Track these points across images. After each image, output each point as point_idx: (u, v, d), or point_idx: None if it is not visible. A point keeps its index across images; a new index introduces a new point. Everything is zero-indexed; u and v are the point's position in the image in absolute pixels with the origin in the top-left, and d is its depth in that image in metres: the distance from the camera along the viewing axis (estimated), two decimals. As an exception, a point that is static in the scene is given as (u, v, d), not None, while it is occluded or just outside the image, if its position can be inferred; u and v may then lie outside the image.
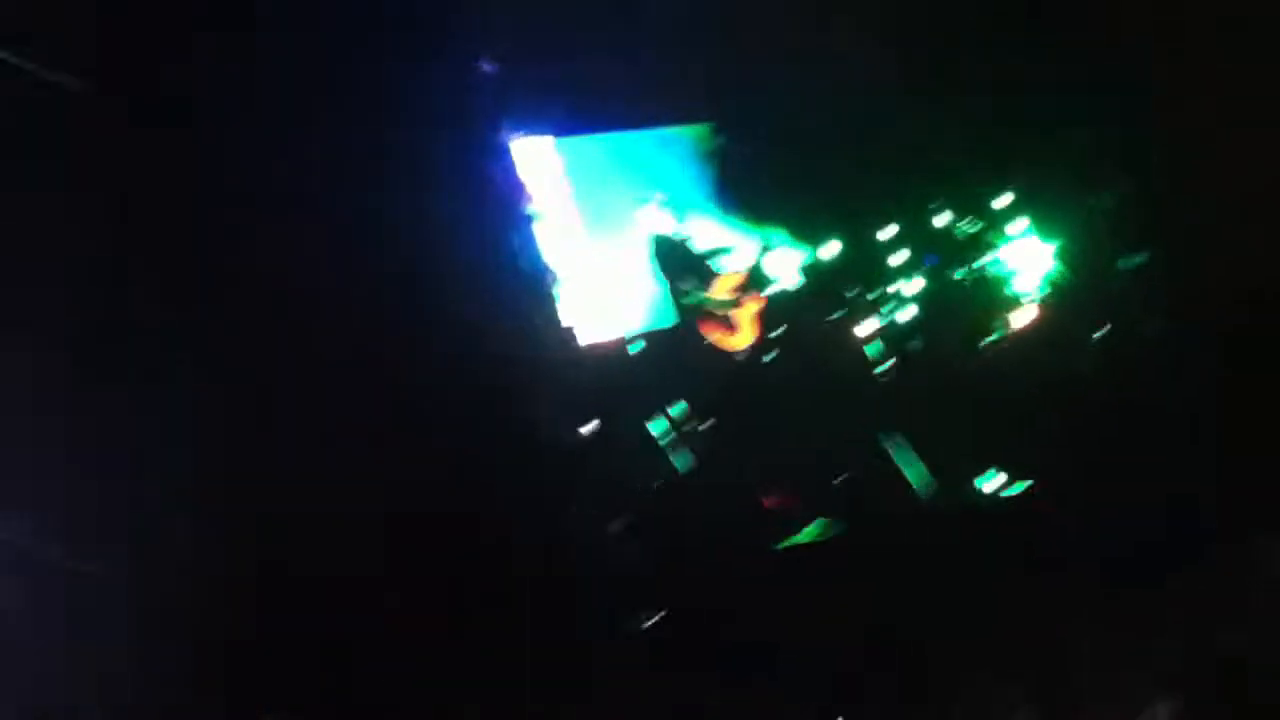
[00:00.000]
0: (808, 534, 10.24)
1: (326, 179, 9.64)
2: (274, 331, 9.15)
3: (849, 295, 11.50)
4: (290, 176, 9.38)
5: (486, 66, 10.62)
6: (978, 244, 11.87)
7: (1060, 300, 11.93)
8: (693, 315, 11.52)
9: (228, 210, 9.00)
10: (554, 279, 10.96)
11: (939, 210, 11.88)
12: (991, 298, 11.85)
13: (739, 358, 11.37)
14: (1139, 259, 11.91)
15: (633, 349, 11.17)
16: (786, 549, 10.19)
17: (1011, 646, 7.74)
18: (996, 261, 11.87)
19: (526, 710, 8.29)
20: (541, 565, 9.21)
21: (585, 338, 10.94)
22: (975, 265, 11.81)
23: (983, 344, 11.59)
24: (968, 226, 11.87)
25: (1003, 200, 11.96)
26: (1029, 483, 10.54)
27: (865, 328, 11.52)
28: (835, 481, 10.60)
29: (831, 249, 11.82)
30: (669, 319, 11.52)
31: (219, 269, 9.11)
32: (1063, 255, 11.96)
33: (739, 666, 8.59)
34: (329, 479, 8.81)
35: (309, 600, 8.35)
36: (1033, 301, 11.86)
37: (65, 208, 9.01)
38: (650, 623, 9.50)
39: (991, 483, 10.84)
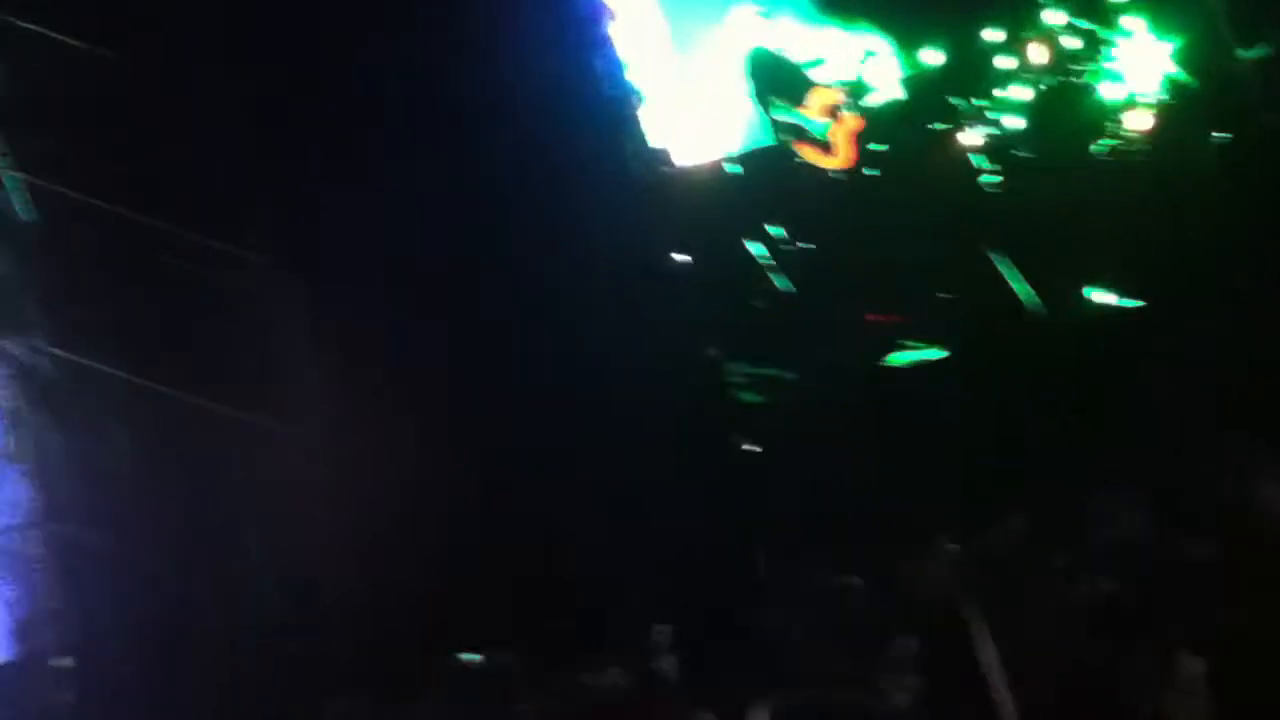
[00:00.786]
0: (913, 354, 10.10)
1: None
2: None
3: (953, 104, 11.02)
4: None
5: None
6: (1089, 44, 11.24)
7: (1178, 102, 11.32)
8: (788, 134, 11.18)
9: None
10: (641, 100, 10.68)
11: (1048, 8, 11.23)
12: (1104, 101, 11.28)
13: (837, 176, 11.04)
14: (1260, 51, 11.22)
15: (728, 170, 10.90)
16: (890, 366, 10.08)
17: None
18: (1107, 61, 11.25)
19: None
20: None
21: (679, 160, 10.72)
22: (1087, 67, 11.21)
23: (1095, 150, 11.09)
24: (1079, 26, 11.22)
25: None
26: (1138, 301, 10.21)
27: (971, 138, 11.07)
28: (941, 298, 10.37)
29: (934, 56, 11.29)
30: (765, 139, 11.20)
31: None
32: (1180, 54, 11.31)
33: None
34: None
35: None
36: (1148, 104, 11.28)
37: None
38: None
39: (1103, 295, 10.52)
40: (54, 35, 9.48)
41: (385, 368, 9.28)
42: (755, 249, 10.46)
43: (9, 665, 8.99)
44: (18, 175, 9.83)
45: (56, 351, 9.51)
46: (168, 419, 9.29)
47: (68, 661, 8.65)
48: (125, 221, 9.22)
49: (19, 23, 9.51)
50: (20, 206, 9.90)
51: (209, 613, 8.93)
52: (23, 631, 8.96)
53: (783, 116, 11.16)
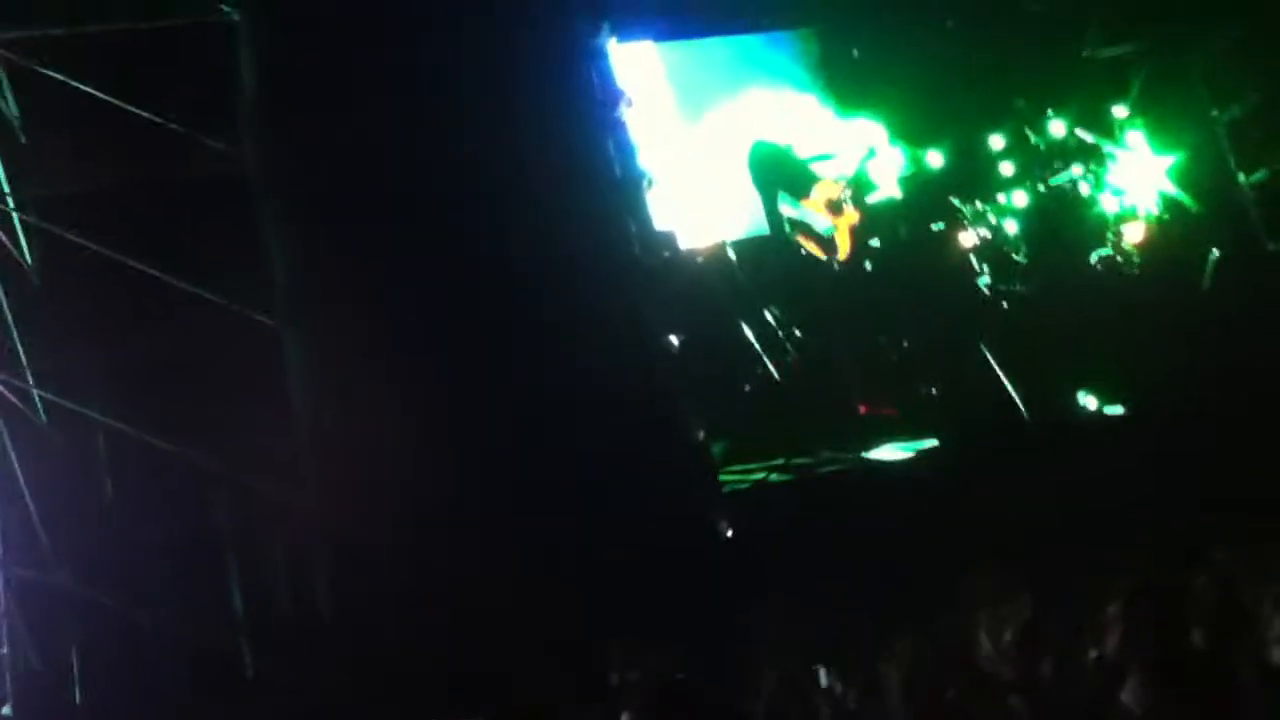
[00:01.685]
0: (902, 443, 10.10)
1: (425, 83, 9.64)
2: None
3: (954, 205, 11.19)
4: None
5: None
6: (1090, 155, 11.46)
7: (1175, 217, 11.50)
8: (790, 225, 11.33)
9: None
10: (650, 183, 10.82)
11: (1050, 119, 11.47)
12: (1101, 212, 11.45)
13: (836, 268, 11.16)
14: (1260, 176, 11.43)
15: (730, 255, 11.01)
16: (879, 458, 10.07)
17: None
18: (1107, 174, 11.45)
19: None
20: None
21: (683, 242, 10.84)
22: (1085, 177, 11.40)
23: (1091, 259, 11.23)
24: (1080, 137, 11.44)
25: (1119, 111, 11.53)
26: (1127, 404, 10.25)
27: (969, 238, 11.21)
28: (933, 392, 10.41)
29: (936, 158, 11.50)
30: (767, 227, 11.34)
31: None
32: (1179, 171, 11.52)
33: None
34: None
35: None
36: (1145, 218, 11.45)
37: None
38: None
39: (1092, 399, 10.57)
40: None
41: (380, 441, 9.26)
42: (752, 334, 10.52)
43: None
44: (21, 216, 9.93)
45: (41, 392, 9.52)
46: (150, 465, 9.25)
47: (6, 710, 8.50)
48: (119, 266, 9.26)
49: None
50: (23, 248, 10.01)
51: (174, 658, 8.79)
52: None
53: (787, 208, 11.31)
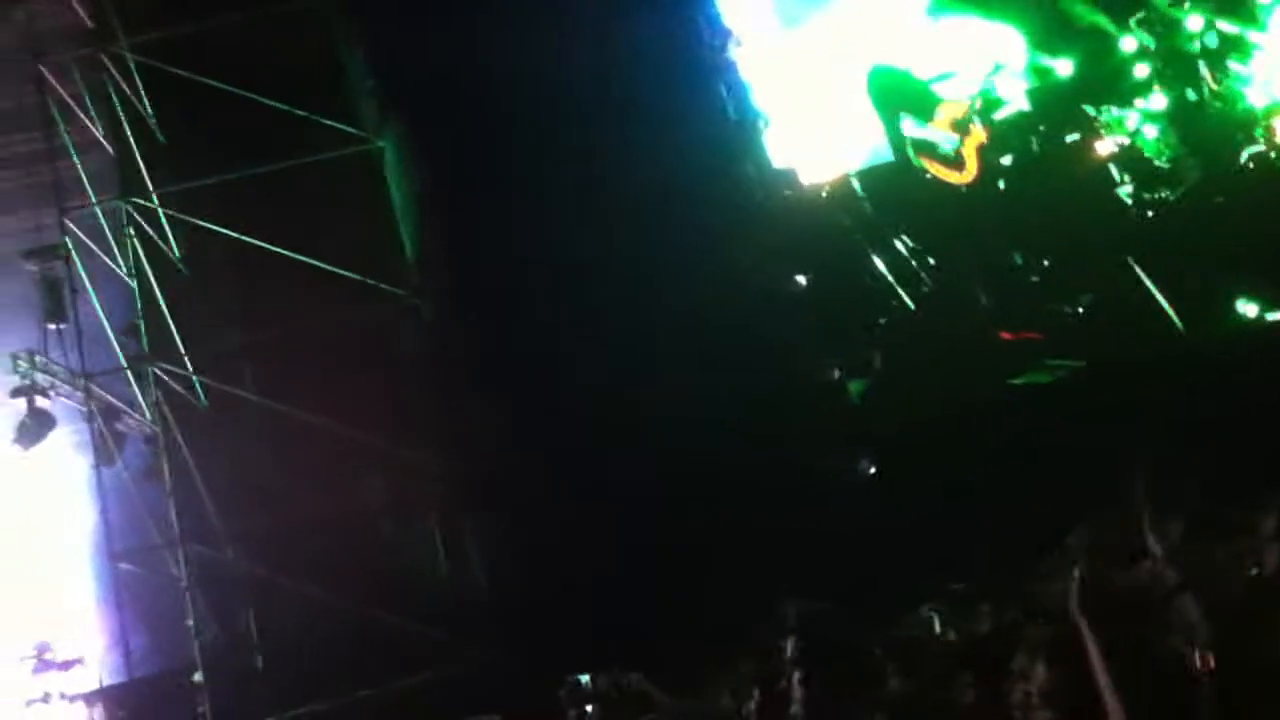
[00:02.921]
0: (1043, 373, 9.80)
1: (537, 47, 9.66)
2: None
3: (1087, 114, 10.68)
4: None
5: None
6: (1231, 48, 10.77)
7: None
8: (915, 148, 11.00)
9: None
10: (766, 123, 10.66)
11: (1187, 14, 10.81)
12: (1248, 107, 10.79)
13: (965, 190, 10.81)
14: None
15: (855, 186, 10.78)
16: (1023, 384, 9.80)
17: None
18: (1252, 64, 10.76)
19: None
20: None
21: (805, 178, 10.66)
22: (1229, 72, 10.73)
23: (1241, 157, 10.61)
24: (1220, 29, 10.76)
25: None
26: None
27: (1105, 148, 10.71)
28: (1078, 312, 10.04)
29: (1065, 66, 10.98)
30: (891, 154, 11.05)
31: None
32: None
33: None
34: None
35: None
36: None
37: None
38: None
39: (1252, 306, 10.05)
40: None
41: (518, 389, 9.43)
42: (884, 266, 10.31)
43: (151, 678, 9.40)
44: (166, 212, 10.37)
45: (204, 378, 9.98)
46: (305, 444, 9.61)
47: (198, 677, 8.98)
48: (274, 257, 9.59)
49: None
50: (170, 241, 10.46)
51: (342, 634, 9.18)
52: (161, 647, 9.37)
53: (911, 129, 10.99)
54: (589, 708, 5.20)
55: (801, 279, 9.76)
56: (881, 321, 10.10)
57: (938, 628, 5.35)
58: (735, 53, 10.47)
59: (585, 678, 6.12)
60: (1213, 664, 3.22)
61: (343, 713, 8.39)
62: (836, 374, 9.41)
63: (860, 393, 9.60)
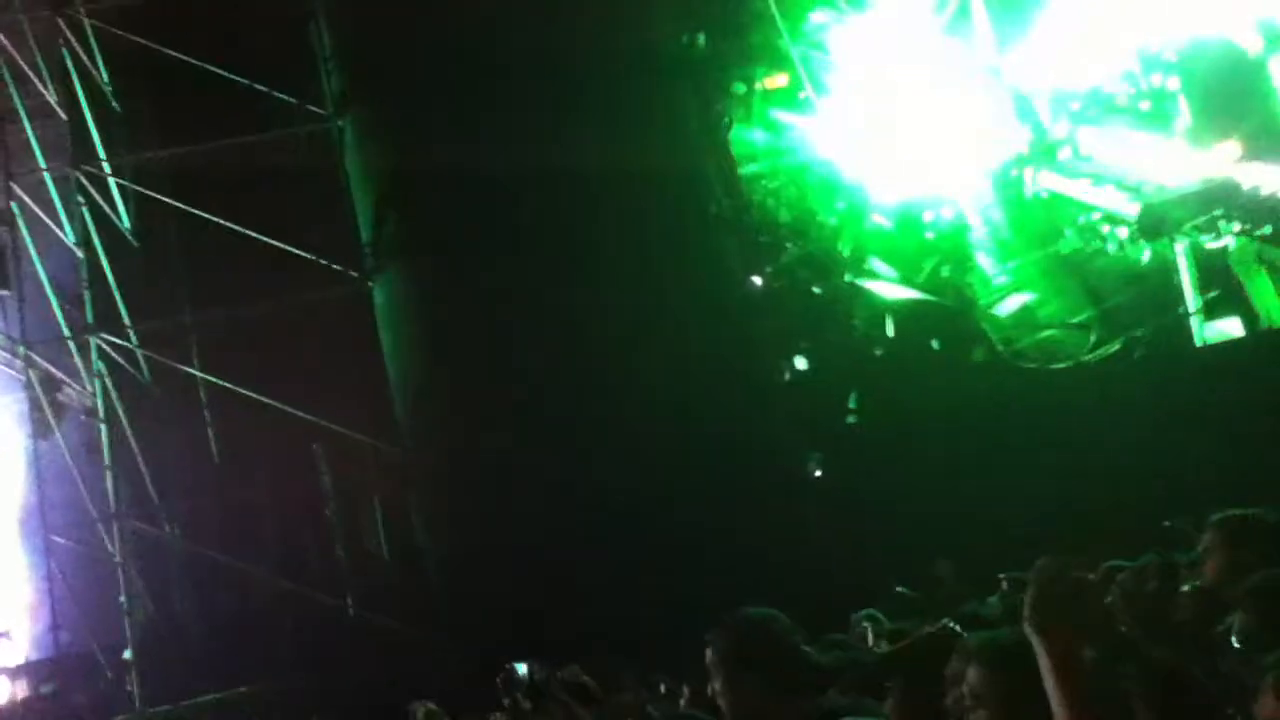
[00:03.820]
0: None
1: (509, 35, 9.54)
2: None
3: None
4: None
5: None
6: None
7: None
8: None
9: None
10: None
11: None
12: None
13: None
14: None
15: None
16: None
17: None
18: None
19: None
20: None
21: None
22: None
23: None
24: None
25: None
26: None
27: None
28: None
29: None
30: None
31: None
32: None
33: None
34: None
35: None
36: None
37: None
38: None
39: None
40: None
41: (471, 376, 9.31)
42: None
43: (80, 653, 9.25)
44: (117, 181, 10.20)
45: (148, 353, 9.82)
46: (251, 422, 9.48)
47: (128, 654, 8.85)
48: (226, 234, 9.45)
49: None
50: (120, 212, 10.29)
51: (280, 607, 9.07)
52: (96, 622, 9.21)
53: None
54: (520, 696, 5.15)
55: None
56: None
57: (870, 639, 5.33)
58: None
59: (522, 666, 6.06)
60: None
61: (278, 696, 8.27)
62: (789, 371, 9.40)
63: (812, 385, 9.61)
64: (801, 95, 10.76)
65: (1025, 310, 10.73)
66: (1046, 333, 10.50)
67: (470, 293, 9.39)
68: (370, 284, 9.79)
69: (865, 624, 5.62)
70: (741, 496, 8.56)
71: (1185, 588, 4.40)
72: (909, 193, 10.79)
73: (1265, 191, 10.31)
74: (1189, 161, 10.75)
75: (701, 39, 10.17)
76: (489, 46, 9.41)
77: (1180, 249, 10.29)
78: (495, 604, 8.47)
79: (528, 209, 9.18)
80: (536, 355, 9.07)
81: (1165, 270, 10.41)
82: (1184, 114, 10.89)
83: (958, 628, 4.53)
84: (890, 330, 10.12)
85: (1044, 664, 2.61)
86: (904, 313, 10.27)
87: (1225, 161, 10.52)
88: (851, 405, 9.29)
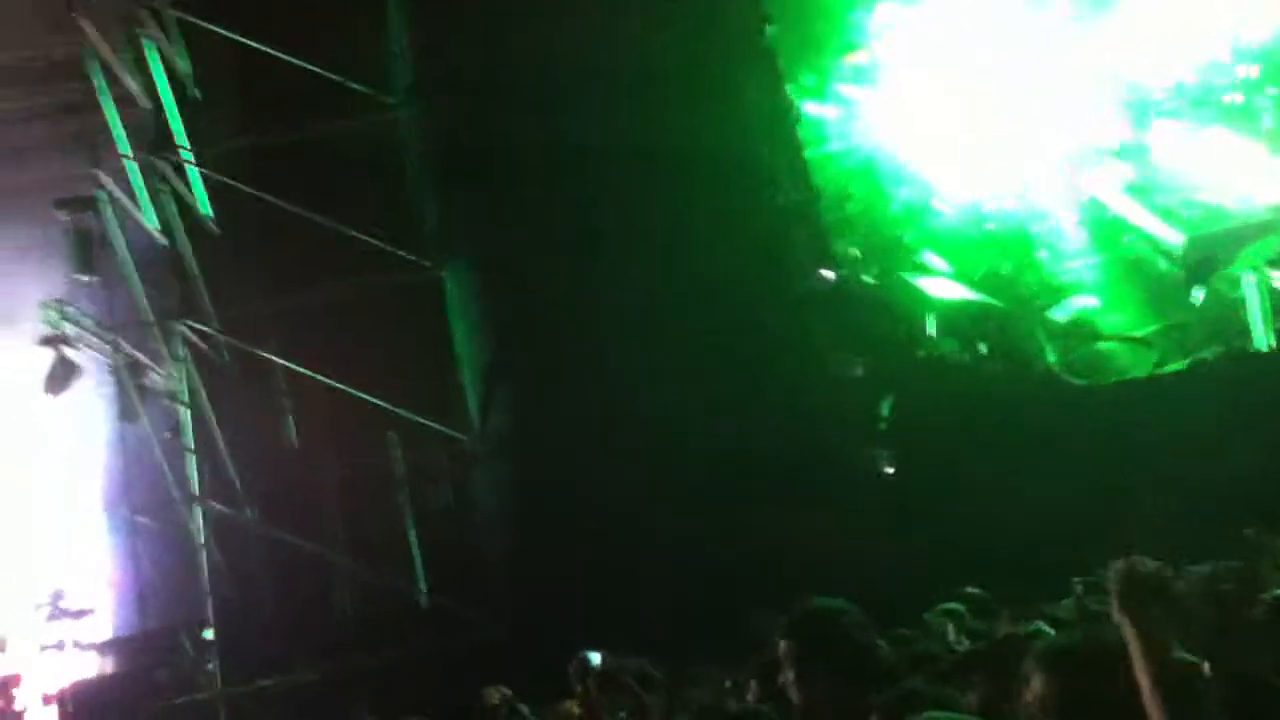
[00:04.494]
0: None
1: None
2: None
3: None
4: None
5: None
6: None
7: None
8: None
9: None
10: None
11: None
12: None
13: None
14: None
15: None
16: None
17: None
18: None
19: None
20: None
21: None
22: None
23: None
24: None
25: None
26: None
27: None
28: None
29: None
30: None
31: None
32: None
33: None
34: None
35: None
36: None
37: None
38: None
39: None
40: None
41: (539, 364, 9.37)
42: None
43: (162, 631, 9.47)
44: (210, 175, 10.37)
45: (231, 340, 10.00)
46: (327, 408, 9.62)
47: (209, 634, 9.04)
48: (303, 221, 9.59)
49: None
50: (202, 199, 10.47)
51: (351, 590, 9.21)
52: (178, 602, 9.42)
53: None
54: (591, 684, 5.20)
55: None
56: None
57: (951, 635, 5.28)
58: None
59: (595, 656, 6.12)
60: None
61: (350, 677, 8.41)
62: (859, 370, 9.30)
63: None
64: (870, 79, 10.64)
65: (1084, 316, 10.39)
66: (1105, 344, 10.16)
67: (541, 283, 9.44)
68: (441, 274, 9.86)
69: (946, 620, 5.56)
70: (806, 492, 8.54)
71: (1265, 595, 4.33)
72: (974, 182, 10.59)
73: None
74: (1269, 171, 10.30)
75: (771, 28, 10.05)
76: (560, 36, 9.44)
77: (1249, 281, 9.87)
78: (559, 593, 8.52)
79: (598, 199, 9.19)
80: (605, 346, 9.10)
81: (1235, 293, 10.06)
82: (1272, 113, 10.48)
83: (1046, 627, 4.48)
84: (932, 330, 9.86)
85: (1135, 649, 2.57)
86: (950, 312, 10.00)
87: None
88: (885, 412, 9.06)
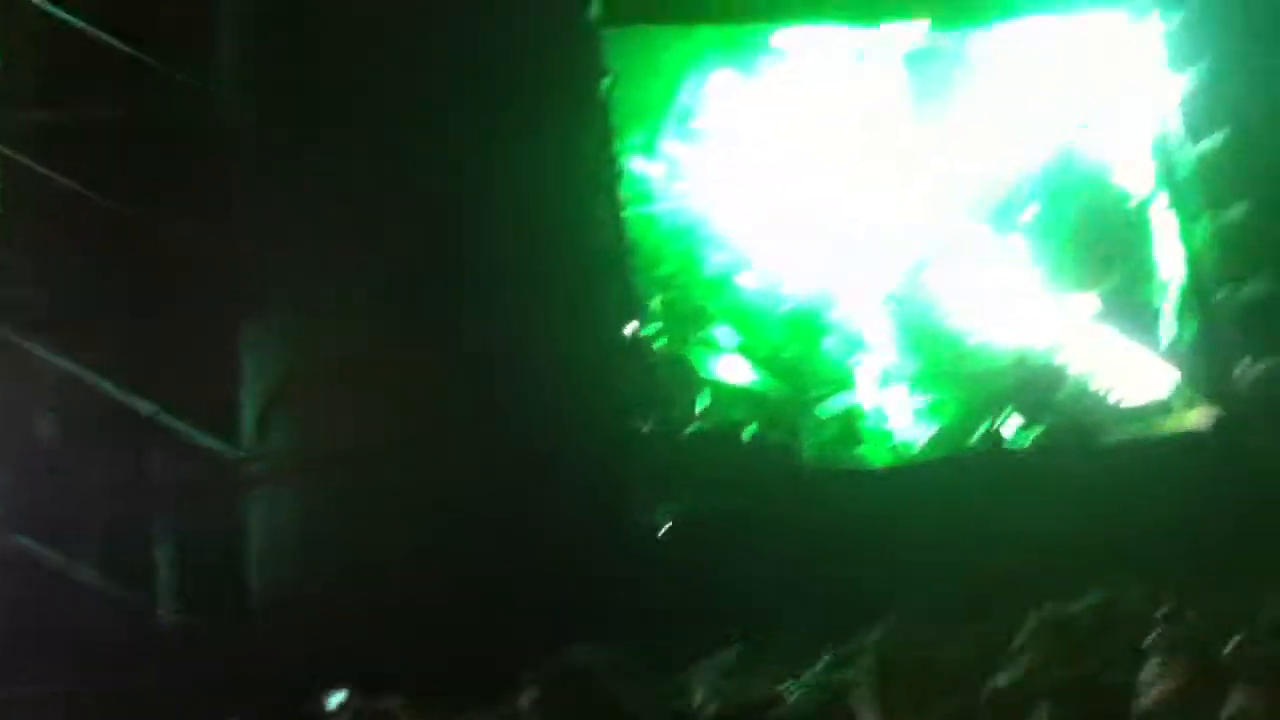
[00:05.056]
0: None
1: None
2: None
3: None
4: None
5: None
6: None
7: None
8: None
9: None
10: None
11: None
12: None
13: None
14: None
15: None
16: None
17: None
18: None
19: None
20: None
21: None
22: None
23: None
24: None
25: None
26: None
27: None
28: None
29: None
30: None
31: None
32: None
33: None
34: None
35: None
36: None
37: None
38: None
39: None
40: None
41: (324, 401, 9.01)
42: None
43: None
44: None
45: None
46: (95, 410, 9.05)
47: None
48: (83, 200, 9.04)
49: None
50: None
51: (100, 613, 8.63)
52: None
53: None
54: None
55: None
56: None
57: (697, 698, 5.18)
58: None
59: (339, 696, 5.79)
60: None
61: (60, 699, 7.82)
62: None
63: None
64: (699, 141, 10.71)
65: (850, 413, 10.41)
66: (862, 447, 10.25)
67: (339, 335, 9.05)
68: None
69: (702, 676, 5.51)
70: (588, 550, 8.43)
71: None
72: (782, 260, 10.64)
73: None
74: (1040, 309, 10.57)
75: (607, 82, 10.05)
76: (396, 52, 9.23)
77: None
78: (323, 632, 8.18)
79: (410, 249, 8.95)
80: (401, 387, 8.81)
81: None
82: (1051, 247, 10.82)
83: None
84: (700, 406, 9.83)
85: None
86: (720, 389, 9.98)
87: (1080, 317, 10.51)
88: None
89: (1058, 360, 10.29)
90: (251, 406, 9.14)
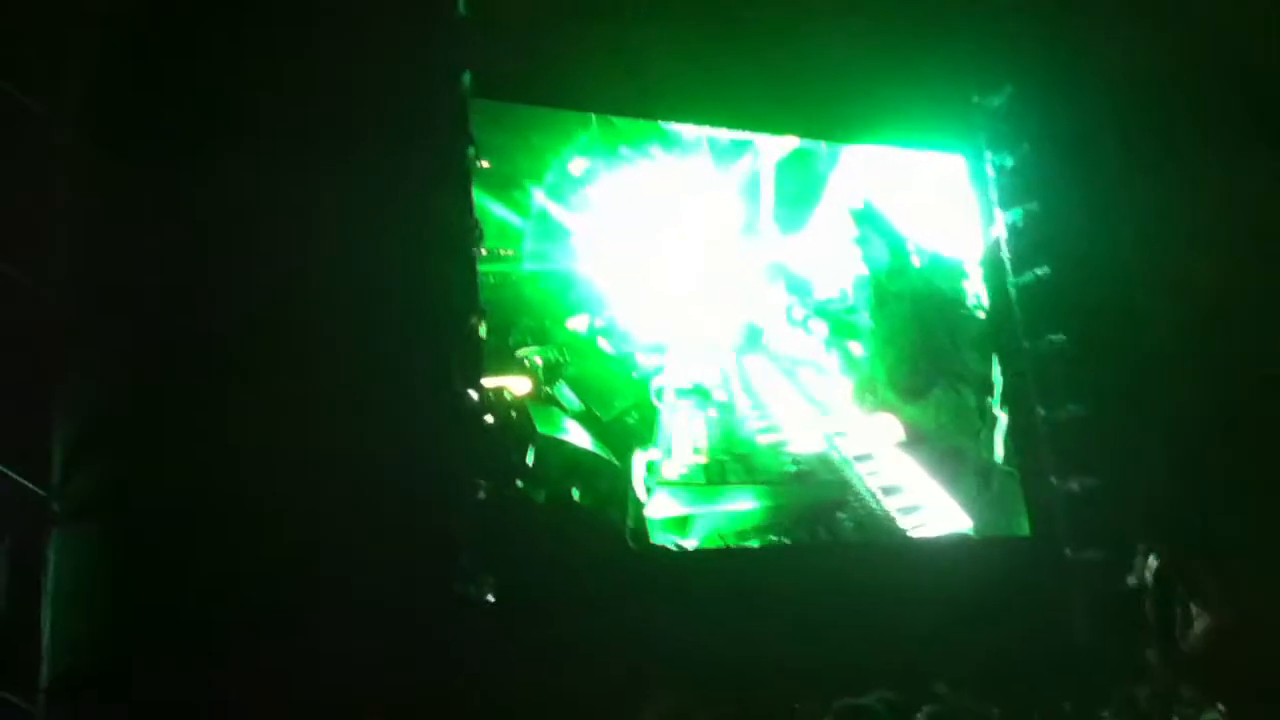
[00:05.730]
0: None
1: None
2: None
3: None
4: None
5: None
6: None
7: None
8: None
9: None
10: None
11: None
12: None
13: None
14: None
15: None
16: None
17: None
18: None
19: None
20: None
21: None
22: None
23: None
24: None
25: None
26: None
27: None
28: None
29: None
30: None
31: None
32: None
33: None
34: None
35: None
36: None
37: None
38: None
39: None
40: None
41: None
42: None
43: None
44: None
45: None
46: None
47: None
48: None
49: None
50: None
51: None
52: None
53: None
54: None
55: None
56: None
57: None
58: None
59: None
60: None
61: None
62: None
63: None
64: (571, 203, 10.81)
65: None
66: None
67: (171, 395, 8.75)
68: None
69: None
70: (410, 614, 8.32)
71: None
72: (633, 329, 10.78)
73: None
74: (844, 422, 10.99)
75: (472, 151, 10.02)
76: (256, 96, 9.06)
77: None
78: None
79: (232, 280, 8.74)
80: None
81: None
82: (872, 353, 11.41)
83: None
84: (534, 473, 9.83)
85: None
86: (553, 451, 10.00)
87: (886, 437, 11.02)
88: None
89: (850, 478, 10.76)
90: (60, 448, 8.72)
